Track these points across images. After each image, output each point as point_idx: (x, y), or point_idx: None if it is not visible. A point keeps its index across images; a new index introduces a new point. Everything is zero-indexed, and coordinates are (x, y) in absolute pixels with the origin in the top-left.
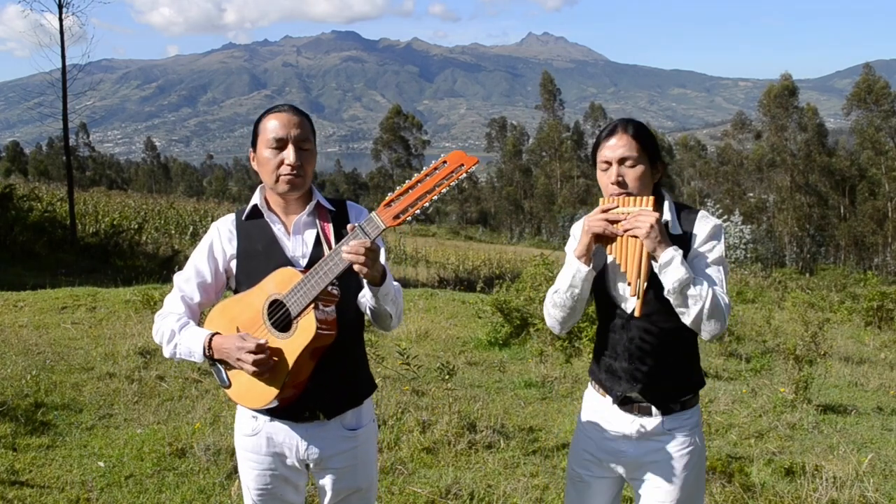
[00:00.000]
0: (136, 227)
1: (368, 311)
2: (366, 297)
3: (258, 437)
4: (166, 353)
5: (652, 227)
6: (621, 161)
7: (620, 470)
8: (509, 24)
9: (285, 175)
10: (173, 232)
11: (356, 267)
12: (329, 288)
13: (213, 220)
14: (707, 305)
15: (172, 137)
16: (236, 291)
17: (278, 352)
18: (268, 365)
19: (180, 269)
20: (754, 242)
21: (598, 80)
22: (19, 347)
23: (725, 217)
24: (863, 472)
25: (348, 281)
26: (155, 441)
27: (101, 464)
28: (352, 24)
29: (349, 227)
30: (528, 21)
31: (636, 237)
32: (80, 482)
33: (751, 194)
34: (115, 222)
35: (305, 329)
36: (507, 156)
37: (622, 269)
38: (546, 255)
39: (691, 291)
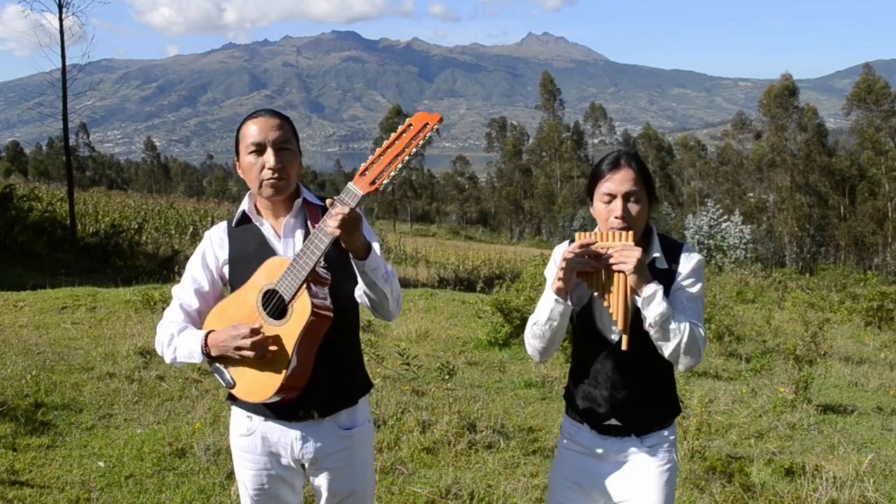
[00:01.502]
0: (136, 227)
1: (366, 299)
2: (360, 288)
3: (253, 437)
4: (167, 359)
5: (639, 261)
6: (627, 196)
7: (602, 496)
8: (509, 24)
9: (268, 179)
10: (173, 232)
11: (338, 235)
12: (319, 270)
13: (213, 220)
14: (685, 340)
15: (172, 137)
16: None
17: (276, 339)
18: (266, 346)
19: (180, 268)
20: (754, 242)
21: (598, 80)
22: (19, 347)
23: (725, 217)
24: (863, 472)
25: (342, 276)
26: (155, 441)
27: (101, 464)
28: (352, 24)
29: (328, 201)
30: (528, 21)
31: (621, 272)
32: (80, 482)
33: (751, 194)
34: (115, 222)
35: (301, 311)
36: (507, 156)
37: (605, 304)
38: (546, 256)
39: (671, 326)
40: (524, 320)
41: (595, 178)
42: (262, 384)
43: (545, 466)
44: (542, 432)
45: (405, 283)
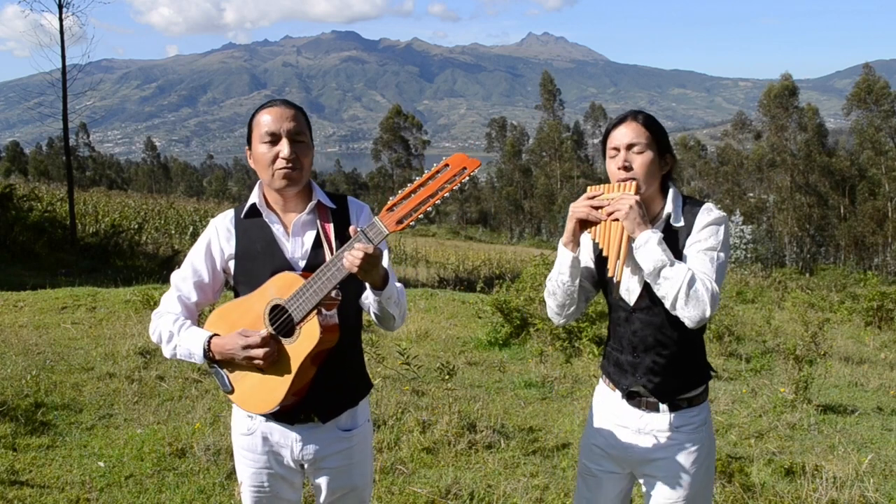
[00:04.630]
0: (136, 227)
1: (372, 314)
2: (369, 300)
3: (254, 437)
4: (166, 353)
5: (631, 207)
6: (629, 147)
7: (629, 466)
8: (509, 24)
9: (280, 169)
10: (173, 232)
11: (357, 272)
12: (331, 293)
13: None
14: (683, 288)
15: (172, 137)
16: (235, 291)
17: (282, 356)
18: (275, 357)
19: (179, 267)
20: (754, 242)
21: (598, 80)
22: (19, 347)
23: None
24: (863, 472)
25: (348, 283)
26: (155, 441)
27: (101, 464)
28: (352, 24)
29: (352, 230)
30: (528, 21)
31: (617, 220)
32: (80, 482)
33: (751, 194)
34: (115, 222)
35: (309, 335)
36: (507, 156)
37: (604, 254)
38: (546, 255)
39: (666, 273)
40: (524, 320)
41: (605, 135)
42: (261, 397)
43: (545, 466)
44: (542, 432)
45: (405, 283)
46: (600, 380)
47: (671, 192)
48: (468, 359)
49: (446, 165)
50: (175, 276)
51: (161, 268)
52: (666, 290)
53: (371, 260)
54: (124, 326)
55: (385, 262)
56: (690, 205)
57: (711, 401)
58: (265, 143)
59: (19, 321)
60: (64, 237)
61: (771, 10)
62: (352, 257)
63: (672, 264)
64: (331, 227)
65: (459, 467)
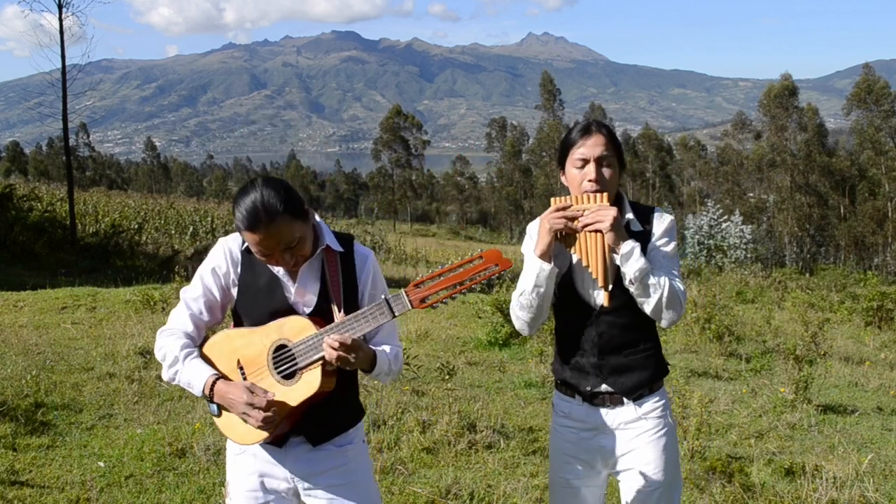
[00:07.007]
0: (136, 227)
1: None
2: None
3: (245, 456)
4: (165, 376)
5: (615, 219)
6: (600, 160)
7: (605, 466)
8: (509, 24)
9: (288, 269)
10: (173, 232)
11: (336, 363)
12: None
13: (213, 221)
14: (665, 294)
15: (172, 137)
16: (235, 318)
17: (279, 400)
18: (274, 423)
19: (180, 269)
20: (754, 242)
21: (598, 80)
22: (19, 347)
23: (725, 217)
24: (863, 472)
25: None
26: (155, 441)
27: (101, 464)
28: (352, 24)
29: (382, 297)
30: (528, 21)
31: (598, 231)
32: (80, 482)
33: (751, 194)
34: (115, 222)
35: (310, 383)
36: (506, 156)
37: (584, 264)
38: None
39: (651, 281)
40: None
41: (567, 145)
42: (248, 430)
43: (545, 466)
44: (542, 432)
45: (405, 284)
46: (555, 392)
47: (626, 200)
48: (468, 359)
49: (480, 258)
50: (186, 294)
51: (161, 268)
52: (648, 297)
53: (344, 350)
54: (124, 326)
55: (393, 332)
56: (640, 211)
57: (711, 401)
58: (264, 257)
59: (19, 321)
60: (64, 237)
61: (771, 10)
62: (328, 349)
63: (653, 272)
64: (338, 273)
65: (459, 467)
